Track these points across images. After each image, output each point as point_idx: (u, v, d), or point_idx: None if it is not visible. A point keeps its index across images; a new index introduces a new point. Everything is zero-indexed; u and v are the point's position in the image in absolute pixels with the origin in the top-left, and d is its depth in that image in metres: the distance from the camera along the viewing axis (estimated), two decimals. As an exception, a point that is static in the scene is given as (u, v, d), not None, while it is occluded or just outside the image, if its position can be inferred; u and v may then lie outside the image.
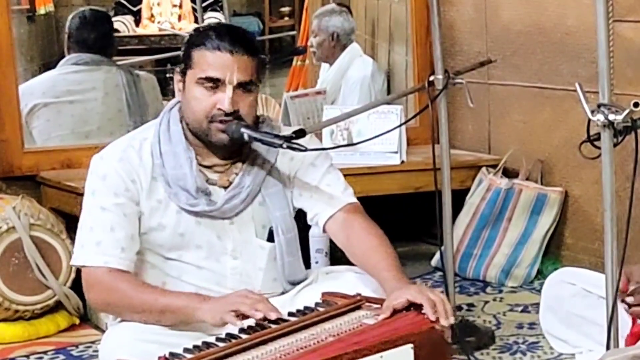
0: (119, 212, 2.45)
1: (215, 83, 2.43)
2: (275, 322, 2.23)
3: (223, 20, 5.45)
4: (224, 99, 2.42)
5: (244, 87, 2.45)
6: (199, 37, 2.48)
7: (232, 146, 2.49)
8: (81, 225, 2.49)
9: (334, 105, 4.38)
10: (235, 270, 2.53)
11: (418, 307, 2.23)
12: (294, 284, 2.58)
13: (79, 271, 2.56)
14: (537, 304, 3.18)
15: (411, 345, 2.10)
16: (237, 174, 2.53)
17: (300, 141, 2.46)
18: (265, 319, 2.21)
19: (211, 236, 2.52)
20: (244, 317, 2.23)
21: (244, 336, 2.14)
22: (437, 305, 2.21)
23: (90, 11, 4.51)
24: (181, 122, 2.53)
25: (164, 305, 2.35)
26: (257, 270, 2.55)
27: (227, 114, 2.43)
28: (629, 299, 2.70)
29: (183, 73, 2.50)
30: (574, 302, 2.93)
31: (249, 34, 2.58)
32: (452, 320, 2.20)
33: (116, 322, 2.48)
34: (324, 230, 2.61)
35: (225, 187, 2.52)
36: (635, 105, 2.28)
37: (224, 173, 2.54)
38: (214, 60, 2.43)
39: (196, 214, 2.49)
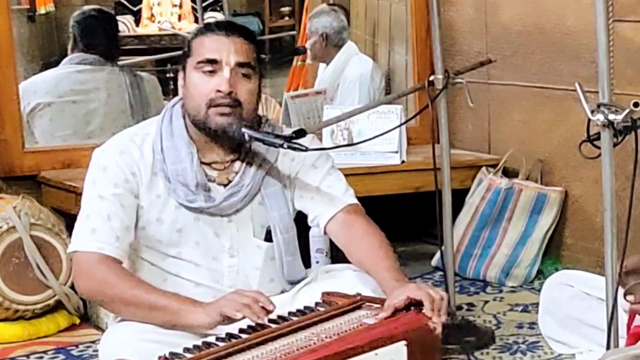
0: (117, 202, 2.45)
1: (213, 66, 2.46)
2: (275, 321, 2.23)
3: (223, 21, 5.45)
4: (222, 82, 2.44)
5: (241, 68, 2.46)
6: (198, 29, 2.56)
7: (232, 137, 2.49)
8: (79, 215, 2.49)
9: (335, 105, 4.38)
10: (232, 268, 2.54)
11: (419, 306, 2.24)
12: (294, 283, 2.59)
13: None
14: (537, 304, 3.17)
15: (404, 342, 2.12)
16: (236, 173, 2.53)
17: (301, 142, 2.46)
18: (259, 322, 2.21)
19: (208, 233, 2.52)
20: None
21: (244, 336, 2.14)
22: (436, 301, 2.23)
23: (96, 11, 4.50)
24: (183, 117, 2.54)
25: (154, 301, 2.34)
26: (254, 270, 2.55)
27: (224, 97, 2.44)
28: (630, 297, 2.69)
29: (184, 67, 2.53)
30: (573, 304, 2.93)
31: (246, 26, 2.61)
32: (443, 319, 2.22)
33: (116, 321, 2.47)
34: (325, 232, 2.62)
35: (224, 185, 2.53)
36: (635, 105, 2.28)
37: (223, 171, 2.54)
38: (210, 43, 2.48)
39: (195, 210, 2.50)
